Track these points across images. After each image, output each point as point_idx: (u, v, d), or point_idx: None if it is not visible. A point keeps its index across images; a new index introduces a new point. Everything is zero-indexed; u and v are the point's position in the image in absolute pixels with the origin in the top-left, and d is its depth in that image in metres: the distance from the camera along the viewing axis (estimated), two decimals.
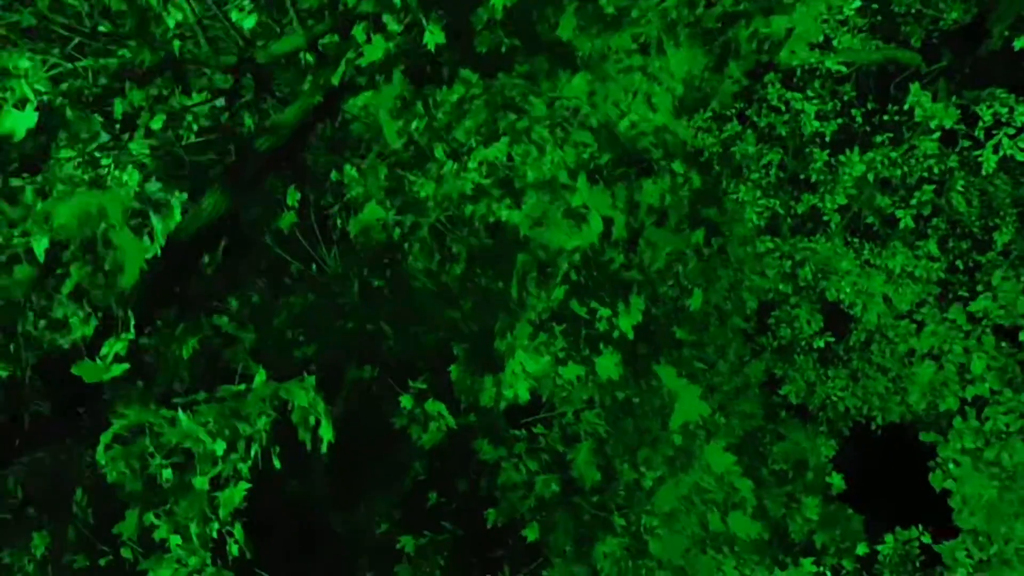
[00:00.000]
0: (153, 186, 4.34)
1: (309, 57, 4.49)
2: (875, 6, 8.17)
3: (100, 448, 3.12)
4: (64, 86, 4.00)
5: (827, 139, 7.86)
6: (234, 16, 4.24)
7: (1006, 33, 8.30)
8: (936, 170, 8.06)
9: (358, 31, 3.84)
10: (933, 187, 7.81)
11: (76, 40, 4.11)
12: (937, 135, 7.70)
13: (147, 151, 4.32)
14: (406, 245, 4.92)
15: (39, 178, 3.54)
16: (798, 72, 8.41)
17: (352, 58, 4.03)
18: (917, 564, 7.63)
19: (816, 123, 7.96)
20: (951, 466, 4.81)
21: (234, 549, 3.54)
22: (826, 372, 8.12)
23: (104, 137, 4.29)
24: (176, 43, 4.01)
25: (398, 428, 5.27)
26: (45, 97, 3.98)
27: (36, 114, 3.46)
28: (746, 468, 5.30)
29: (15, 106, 3.38)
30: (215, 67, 4.49)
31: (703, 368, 5.91)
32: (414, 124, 3.73)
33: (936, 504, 7.27)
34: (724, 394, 5.95)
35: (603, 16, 4.10)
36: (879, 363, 8.41)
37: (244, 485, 3.51)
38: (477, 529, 5.98)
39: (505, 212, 4.39)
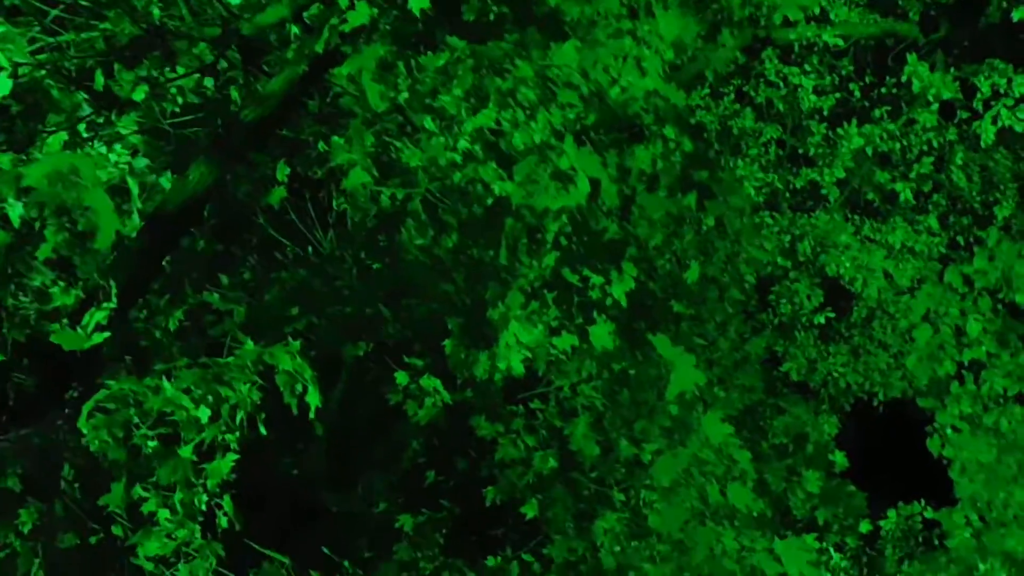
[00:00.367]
0: (140, 162, 4.29)
1: (294, 28, 4.42)
2: None
3: (83, 416, 3.07)
4: (43, 56, 3.94)
5: (825, 113, 7.78)
6: None
7: (1004, 5, 8.20)
8: (935, 143, 7.98)
9: None
10: (932, 159, 7.73)
11: (54, 13, 4.05)
12: (935, 107, 7.61)
13: (134, 127, 4.27)
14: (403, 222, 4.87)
15: (22, 155, 3.49)
16: (796, 48, 8.32)
17: (336, 24, 3.96)
18: (920, 539, 7.59)
19: (814, 98, 7.88)
20: (949, 431, 4.75)
21: (223, 521, 3.50)
22: (827, 348, 8.06)
23: (86, 110, 4.23)
24: (156, 12, 3.94)
25: (393, 405, 5.23)
26: (23, 69, 3.92)
27: (10, 82, 3.41)
28: (746, 442, 5.24)
29: None
30: (199, 39, 4.42)
31: (703, 344, 5.86)
32: (398, 84, 3.66)
33: (939, 479, 7.22)
34: (723, 368, 5.89)
35: None
36: (880, 339, 8.35)
37: (232, 456, 3.46)
38: (476, 507, 5.95)
39: (498, 185, 4.33)
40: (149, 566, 3.38)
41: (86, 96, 4.21)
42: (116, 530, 3.91)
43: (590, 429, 5.19)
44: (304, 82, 4.38)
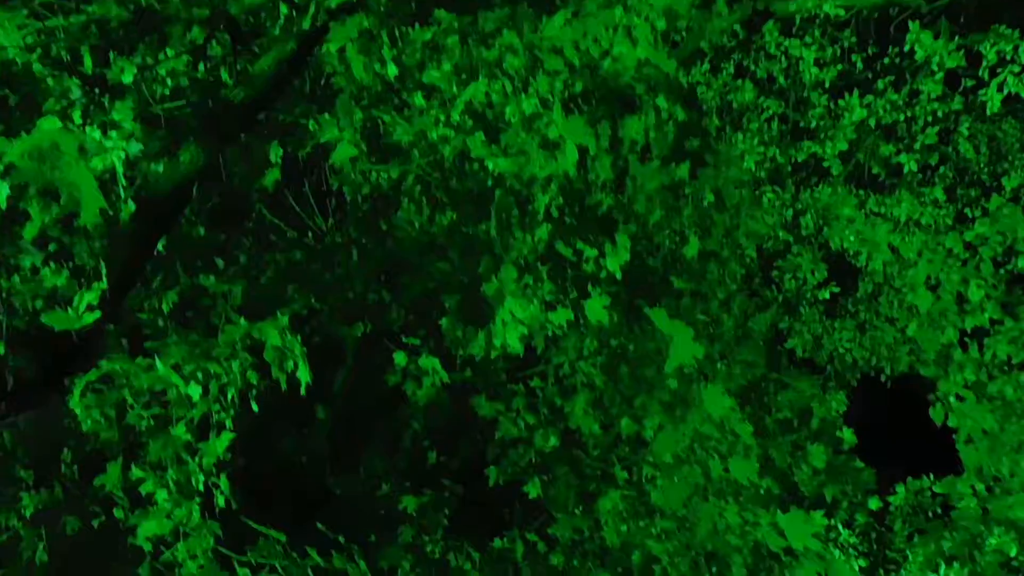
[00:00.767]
0: (133, 147, 4.28)
1: (283, 7, 4.39)
2: None
3: (75, 396, 3.08)
4: (32, 39, 3.93)
5: (827, 86, 7.66)
6: None
7: None
8: (940, 113, 7.84)
9: None
10: (938, 130, 7.59)
11: None
12: (940, 76, 7.46)
13: (129, 113, 4.25)
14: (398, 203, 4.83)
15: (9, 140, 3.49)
16: (796, 20, 8.18)
17: (322, 1, 3.92)
18: (930, 514, 7.52)
19: (815, 70, 7.75)
20: (952, 400, 4.68)
21: (220, 500, 3.51)
22: (832, 324, 7.97)
23: (76, 93, 4.22)
24: None
25: (394, 388, 5.22)
26: (12, 52, 3.91)
27: None
28: (749, 417, 5.19)
29: None
30: (188, 20, 4.40)
31: (705, 320, 5.80)
32: (383, 54, 3.62)
33: (948, 454, 7.15)
34: (725, 344, 5.83)
35: None
36: (887, 314, 8.25)
37: (228, 436, 3.47)
38: (480, 488, 5.94)
39: (491, 161, 4.29)
40: (147, 546, 3.39)
41: (77, 81, 4.20)
42: (117, 513, 3.94)
43: (589, 406, 5.16)
44: (294, 63, 4.35)
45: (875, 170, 8.55)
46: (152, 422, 3.08)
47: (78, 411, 3.08)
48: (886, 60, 7.89)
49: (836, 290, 7.89)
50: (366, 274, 5.56)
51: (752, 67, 7.99)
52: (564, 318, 4.32)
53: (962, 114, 7.86)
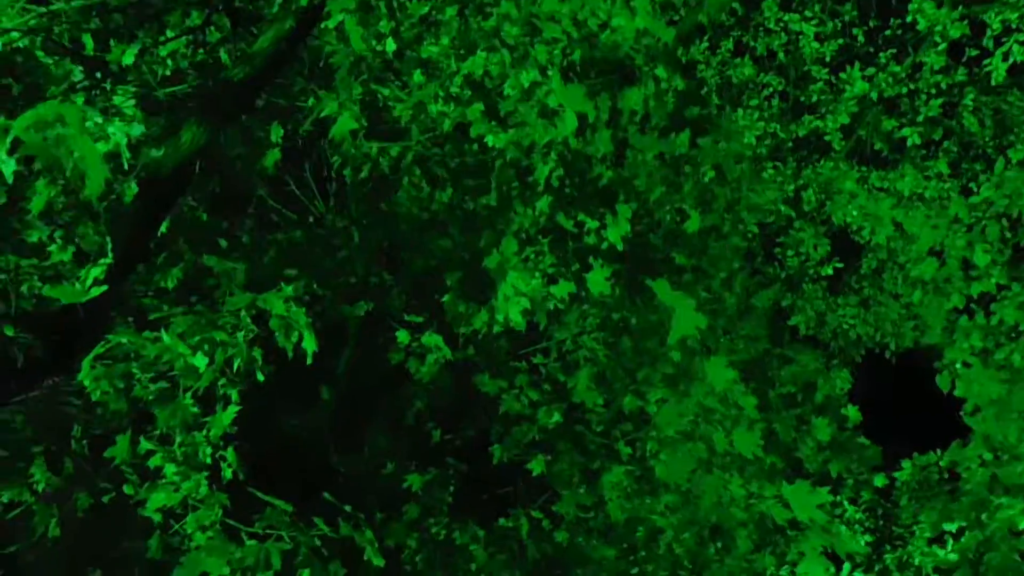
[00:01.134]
0: (135, 130, 4.31)
1: None
2: None
3: (84, 368, 3.12)
4: (34, 22, 3.95)
5: (828, 60, 7.61)
6: None
7: None
8: (944, 85, 7.78)
9: None
10: (941, 102, 7.54)
11: None
12: (943, 47, 7.41)
13: (131, 99, 4.28)
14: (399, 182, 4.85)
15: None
16: None
17: None
18: (936, 490, 7.53)
19: (816, 44, 7.71)
20: (959, 367, 4.67)
21: (227, 473, 3.56)
22: (836, 301, 7.96)
23: (78, 76, 4.25)
24: None
25: (398, 366, 5.25)
26: (14, 35, 3.93)
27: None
28: (752, 392, 5.20)
29: None
30: (186, 3, 4.41)
31: (708, 297, 5.80)
32: (380, 28, 3.62)
33: (954, 430, 7.15)
34: (728, 319, 5.84)
35: None
36: (891, 290, 8.23)
37: (233, 408, 3.51)
38: (484, 467, 5.99)
39: (491, 138, 4.30)
40: (158, 517, 3.44)
41: (80, 67, 4.23)
42: (128, 489, 3.99)
43: (592, 381, 5.19)
44: (293, 41, 4.36)
45: (877, 145, 8.51)
46: (159, 394, 3.12)
47: (87, 383, 3.12)
48: (887, 32, 7.83)
49: (839, 265, 7.88)
50: (367, 255, 5.58)
51: (751, 43, 7.95)
52: (566, 291, 4.34)
53: (966, 86, 7.80)
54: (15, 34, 3.89)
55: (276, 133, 4.98)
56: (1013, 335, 4.52)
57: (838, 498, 7.54)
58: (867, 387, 8.42)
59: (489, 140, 4.28)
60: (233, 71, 4.27)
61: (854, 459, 7.00)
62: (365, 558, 3.58)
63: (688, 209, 5.30)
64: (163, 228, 4.29)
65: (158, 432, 3.40)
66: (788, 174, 7.32)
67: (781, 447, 5.86)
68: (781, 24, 7.89)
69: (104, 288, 3.14)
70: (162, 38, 4.53)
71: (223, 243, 4.74)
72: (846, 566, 7.25)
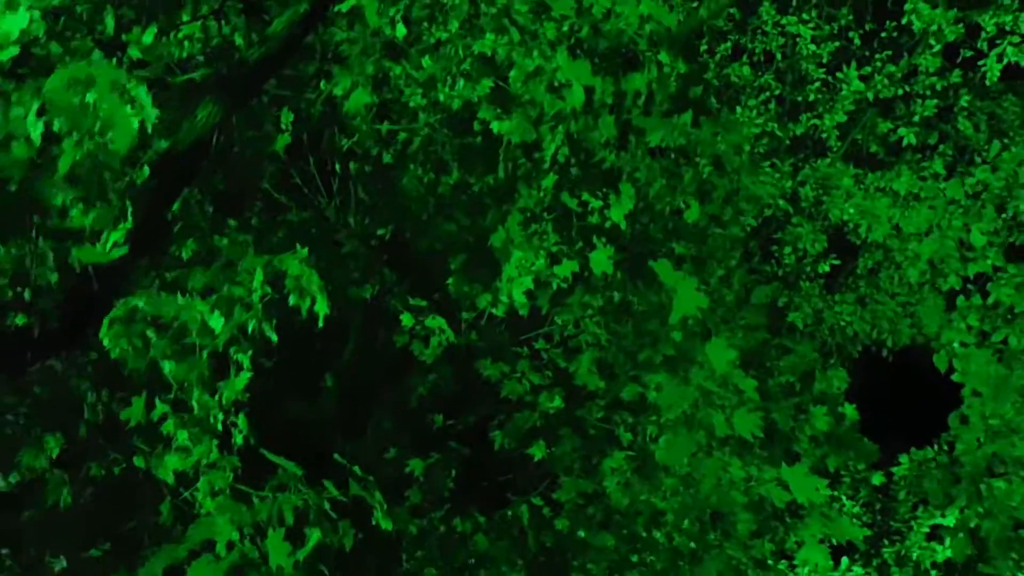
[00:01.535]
0: (151, 114, 4.41)
1: None
2: None
3: (103, 326, 3.20)
4: (56, 1, 4.07)
5: (824, 61, 7.79)
6: None
7: None
8: (939, 87, 7.95)
9: None
10: (936, 102, 7.70)
11: None
12: (938, 48, 7.58)
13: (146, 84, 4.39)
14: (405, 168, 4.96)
15: None
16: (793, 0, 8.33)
17: None
18: (935, 474, 7.58)
19: (812, 47, 7.88)
20: (956, 346, 4.75)
21: (239, 439, 3.62)
22: (833, 298, 8.07)
23: (97, 55, 4.37)
24: None
25: (402, 352, 5.33)
26: (35, 13, 4.05)
27: (28, 14, 3.53)
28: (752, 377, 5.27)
29: (7, 8, 3.45)
30: None
31: (707, 289, 5.90)
32: (390, 13, 3.75)
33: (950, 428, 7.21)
34: (727, 308, 5.94)
35: None
36: (887, 289, 8.34)
37: (246, 375, 3.59)
38: (485, 454, 6.05)
39: (496, 124, 4.42)
40: (171, 479, 3.51)
41: (100, 53, 4.35)
42: (138, 461, 4.05)
43: (594, 365, 5.27)
44: (306, 25, 4.49)
45: (873, 148, 8.66)
46: (176, 350, 3.20)
47: (106, 341, 3.20)
48: (883, 34, 8.01)
49: (836, 262, 8.00)
50: (371, 251, 5.67)
51: (749, 45, 8.12)
52: (569, 270, 4.44)
53: (961, 87, 7.96)
54: (37, 23, 4.00)
55: (286, 118, 5.10)
56: (1009, 316, 4.62)
57: (836, 493, 7.59)
58: (864, 386, 8.50)
59: (495, 127, 4.40)
60: (247, 53, 4.40)
61: (851, 455, 7.07)
62: (373, 522, 3.64)
63: (688, 199, 5.42)
64: (175, 208, 4.40)
65: (172, 396, 3.47)
66: (786, 171, 7.45)
67: (780, 437, 5.92)
68: (779, 27, 8.07)
69: (125, 251, 3.24)
70: (178, 21, 4.66)
71: (232, 223, 4.84)
72: (844, 561, 7.30)
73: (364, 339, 6.16)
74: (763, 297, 6.44)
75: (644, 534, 5.55)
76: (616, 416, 5.58)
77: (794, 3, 8.26)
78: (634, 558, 5.89)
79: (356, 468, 3.50)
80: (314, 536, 3.32)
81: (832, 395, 6.98)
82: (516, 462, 6.01)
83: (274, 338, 3.31)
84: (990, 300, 4.68)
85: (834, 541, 6.93)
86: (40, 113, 2.98)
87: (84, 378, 3.96)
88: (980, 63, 7.67)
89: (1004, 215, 4.74)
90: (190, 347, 3.33)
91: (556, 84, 3.68)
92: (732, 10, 8.03)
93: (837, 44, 8.20)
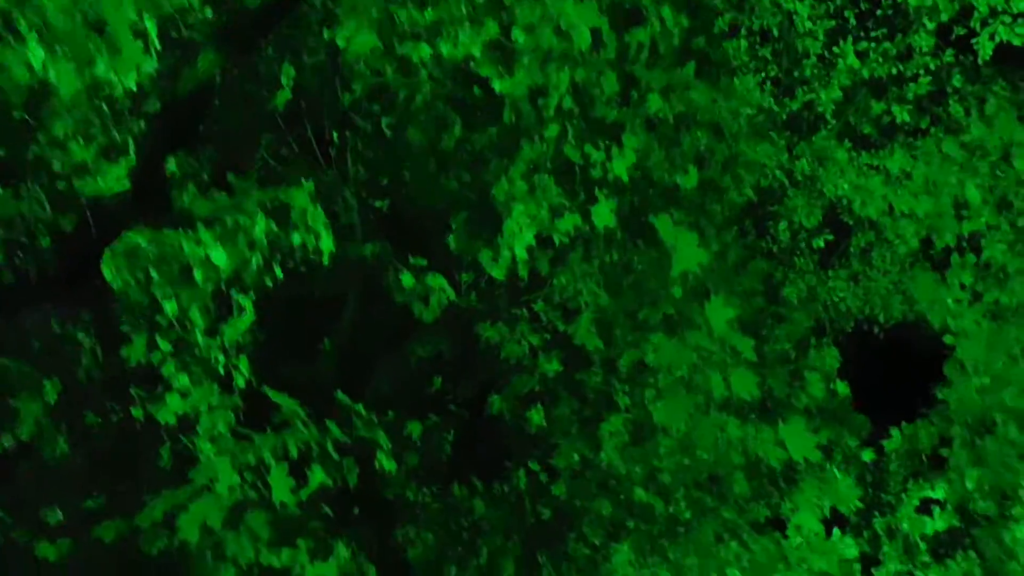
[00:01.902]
0: (149, 65, 4.37)
1: None
2: None
3: (105, 259, 3.17)
4: None
5: (820, 37, 7.83)
6: None
7: None
8: (932, 66, 8.02)
9: None
10: (930, 80, 7.77)
11: None
12: (932, 26, 7.66)
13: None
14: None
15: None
16: None
17: None
18: (924, 459, 7.66)
19: (808, 23, 7.92)
20: (950, 303, 4.80)
21: (240, 381, 3.60)
22: (826, 274, 8.14)
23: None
24: None
25: (399, 323, 5.30)
26: None
27: None
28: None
29: None
30: None
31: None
32: None
33: (941, 407, 7.28)
34: (725, 274, 5.95)
35: None
36: (880, 267, 8.42)
37: (249, 317, 3.56)
38: (483, 419, 6.04)
39: (498, 83, 4.41)
40: (172, 419, 3.48)
41: None
42: (136, 412, 4.01)
43: (593, 325, 5.27)
44: None
45: (866, 130, 8.73)
46: (178, 280, 3.17)
47: (107, 272, 3.16)
48: (879, 12, 8.07)
49: (830, 238, 8.06)
50: (369, 220, 5.63)
51: (746, 22, 8.15)
52: (572, 223, 4.44)
53: (953, 67, 8.04)
54: None
55: (287, 74, 5.05)
56: (1002, 276, 4.68)
57: (828, 466, 7.64)
58: (855, 365, 8.57)
59: (496, 86, 4.40)
60: (249, 0, 4.36)
61: (844, 429, 7.12)
62: (376, 466, 3.63)
63: (686, 165, 5.43)
64: (174, 166, 4.35)
65: (175, 336, 3.44)
66: (782, 145, 7.50)
67: (775, 404, 5.96)
68: (775, 5, 8.11)
69: (127, 186, 3.20)
70: None
71: (231, 177, 4.80)
72: (835, 532, 7.35)
73: (363, 306, 6.13)
74: (758, 270, 6.48)
75: (643, 497, 5.56)
76: (614, 379, 5.59)
77: None
78: (630, 524, 5.91)
79: (360, 407, 3.47)
80: (317, 474, 3.29)
81: (826, 370, 7.04)
82: (514, 429, 6.01)
83: (279, 274, 3.28)
84: (983, 257, 4.74)
85: (826, 512, 7.00)
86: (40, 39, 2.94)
87: (81, 326, 3.91)
88: (973, 41, 7.74)
89: (999, 172, 4.80)
90: (192, 283, 3.30)
91: (562, 28, 3.68)
92: None
93: (833, 23, 8.24)
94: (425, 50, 4.39)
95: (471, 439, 6.04)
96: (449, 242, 4.99)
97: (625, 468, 5.60)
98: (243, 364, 3.58)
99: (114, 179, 3.23)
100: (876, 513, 7.55)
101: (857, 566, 7.31)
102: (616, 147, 4.23)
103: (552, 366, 5.51)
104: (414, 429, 5.81)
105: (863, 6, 8.34)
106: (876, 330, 8.61)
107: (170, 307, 3.34)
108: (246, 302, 3.53)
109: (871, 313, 8.20)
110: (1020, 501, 5.09)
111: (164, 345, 3.34)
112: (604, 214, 4.35)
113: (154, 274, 3.25)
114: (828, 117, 7.69)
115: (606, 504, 5.87)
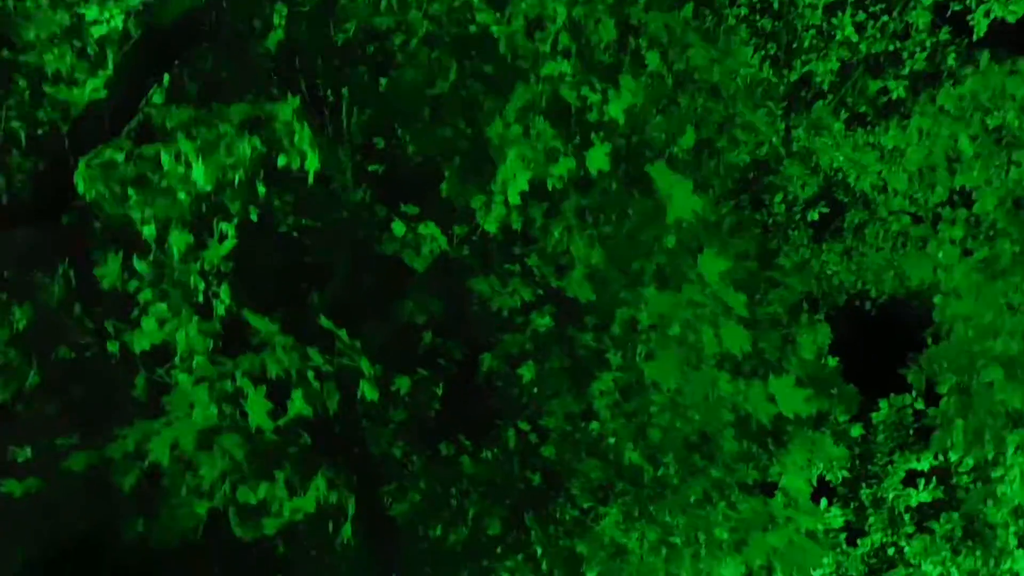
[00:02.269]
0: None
1: None
2: None
3: (79, 169, 3.05)
4: None
5: (818, 9, 7.79)
6: None
7: None
8: (928, 44, 8.01)
9: None
10: (926, 54, 7.76)
11: None
12: (929, 2, 7.65)
13: None
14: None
15: None
16: None
17: None
18: (911, 432, 7.69)
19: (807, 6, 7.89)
20: (940, 255, 4.78)
21: (220, 308, 3.49)
22: (820, 247, 8.12)
23: None
24: None
25: (390, 255, 5.20)
26: None
27: None
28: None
29: None
30: None
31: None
32: None
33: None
34: (720, 236, 5.89)
35: None
36: (873, 243, 8.42)
37: (230, 243, 3.45)
38: (473, 378, 5.95)
39: (496, 28, 4.32)
40: (147, 346, 3.36)
41: None
42: (111, 346, 3.88)
43: (585, 279, 5.20)
44: None
45: (862, 108, 8.71)
46: (156, 195, 3.05)
47: (80, 184, 3.04)
48: None
49: (825, 210, 8.04)
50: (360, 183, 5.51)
51: None
52: (566, 167, 4.36)
53: (949, 45, 8.03)
54: None
55: (279, 13, 4.93)
56: (991, 233, 4.66)
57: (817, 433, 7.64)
58: (847, 337, 8.56)
59: (494, 30, 4.31)
60: None
61: (834, 400, 7.10)
62: (359, 396, 3.53)
63: (684, 126, 5.36)
64: (157, 97, 4.22)
65: (152, 257, 3.32)
66: (778, 114, 7.45)
67: (766, 365, 5.91)
68: None
69: (104, 94, 3.08)
70: None
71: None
72: (823, 502, 7.35)
73: (355, 268, 6.01)
74: (753, 234, 6.43)
75: (633, 458, 5.49)
76: (606, 336, 5.51)
77: None
78: (619, 486, 5.85)
79: (343, 333, 3.37)
80: (297, 402, 3.19)
81: (818, 344, 7.01)
82: (505, 387, 5.91)
83: (262, 191, 3.17)
84: (975, 209, 4.73)
85: (814, 481, 6.98)
86: None
87: (55, 251, 3.77)
88: (968, 18, 7.74)
89: (989, 124, 4.79)
90: (172, 203, 3.18)
91: None
92: None
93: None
94: None
95: (461, 398, 5.95)
96: (442, 189, 4.90)
97: (615, 425, 5.53)
98: (224, 292, 3.47)
99: (91, 90, 3.11)
100: (863, 484, 7.57)
101: (843, 535, 7.33)
102: (613, 89, 4.15)
103: (544, 320, 5.43)
104: (402, 384, 5.71)
105: None
106: (868, 306, 8.60)
107: (148, 230, 3.23)
108: (229, 228, 3.42)
109: (863, 287, 8.19)
110: (1003, 461, 5.09)
111: (141, 267, 3.22)
112: (599, 158, 4.27)
113: (131, 192, 3.13)
114: (824, 88, 7.65)
115: (595, 466, 5.81)
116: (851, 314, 8.83)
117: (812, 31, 7.66)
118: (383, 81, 5.03)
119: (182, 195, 3.08)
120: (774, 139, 7.24)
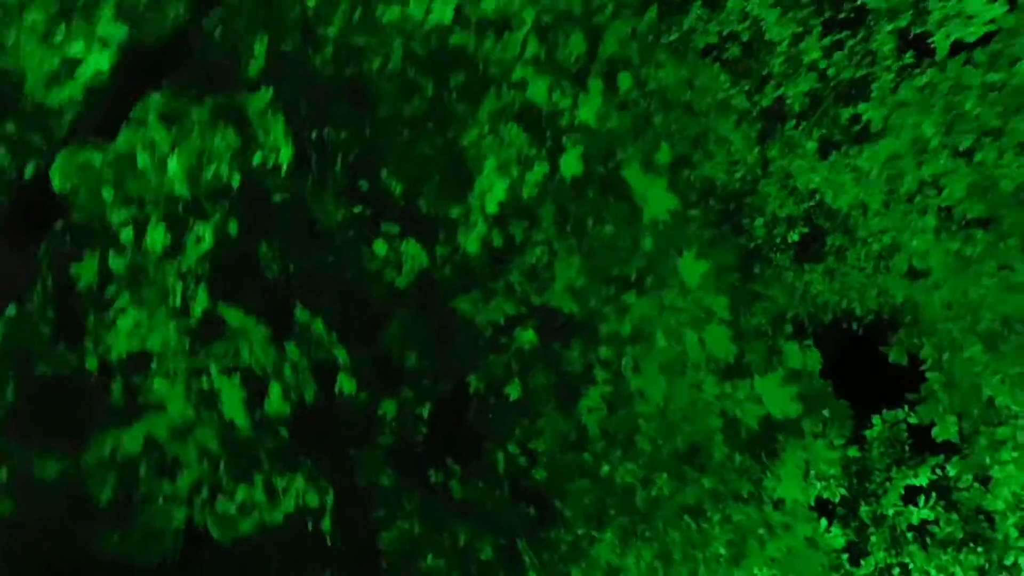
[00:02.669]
0: (120, 31, 4.38)
1: None
2: None
3: (55, 165, 3.09)
4: None
5: (785, 36, 8.09)
6: None
7: None
8: (894, 67, 8.29)
9: None
10: (893, 76, 8.01)
11: None
12: (892, 27, 7.94)
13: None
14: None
15: None
16: None
17: None
18: (906, 447, 7.59)
19: (777, 28, 8.20)
20: (914, 243, 4.81)
21: (197, 311, 3.48)
22: (802, 267, 8.19)
23: None
24: None
25: (373, 272, 5.22)
26: None
27: None
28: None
29: None
30: None
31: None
32: None
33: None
34: (700, 245, 5.95)
35: None
36: (855, 264, 8.50)
37: (208, 243, 3.47)
38: (458, 403, 5.88)
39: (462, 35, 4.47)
40: (123, 350, 3.34)
41: None
42: (90, 363, 3.84)
43: (567, 291, 5.22)
44: None
45: (836, 137, 8.95)
46: (133, 182, 3.08)
47: (55, 180, 3.07)
48: (841, 15, 8.38)
49: (805, 230, 8.14)
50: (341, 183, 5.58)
51: (716, 27, 8.41)
52: (541, 173, 4.44)
53: (914, 68, 8.30)
54: None
55: (261, 44, 5.09)
56: (964, 223, 4.71)
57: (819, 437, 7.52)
58: (833, 356, 8.53)
59: (464, 39, 4.45)
60: None
61: (826, 416, 7.02)
62: (337, 390, 3.48)
63: (659, 142, 5.49)
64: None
65: (128, 260, 3.34)
66: (753, 137, 7.64)
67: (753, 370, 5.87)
68: (744, 11, 8.40)
69: (79, 96, 3.15)
70: None
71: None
72: (823, 522, 7.17)
73: (343, 302, 6.01)
74: (734, 245, 6.49)
75: (624, 477, 5.39)
76: (591, 352, 5.49)
77: None
78: (612, 511, 5.72)
79: (319, 324, 3.35)
80: (275, 395, 3.15)
81: (808, 371, 6.99)
82: (493, 409, 5.84)
83: (235, 183, 3.21)
84: (944, 195, 4.79)
85: (811, 500, 6.83)
86: None
87: (31, 257, 3.77)
88: (929, 41, 8.02)
89: (952, 113, 4.90)
90: (148, 203, 3.22)
91: None
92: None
93: (799, 30, 8.53)
94: (395, 12, 4.46)
95: (447, 420, 5.87)
96: (420, 206, 4.97)
97: (604, 444, 5.45)
98: (201, 294, 3.46)
99: (67, 93, 3.18)
100: (862, 502, 7.41)
101: (845, 556, 7.12)
102: (583, 92, 4.27)
103: (528, 335, 5.42)
104: (388, 408, 5.63)
105: (827, 14, 8.67)
106: (855, 326, 8.62)
107: (126, 235, 3.25)
108: (207, 230, 3.45)
109: (847, 306, 8.23)
110: (998, 462, 5.02)
111: (116, 265, 3.22)
112: (572, 162, 4.36)
113: (107, 194, 3.16)
114: (796, 110, 7.87)
115: (587, 488, 5.69)
116: (838, 333, 8.84)
117: (781, 57, 7.94)
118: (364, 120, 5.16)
119: (155, 182, 3.10)
120: (749, 158, 7.41)
